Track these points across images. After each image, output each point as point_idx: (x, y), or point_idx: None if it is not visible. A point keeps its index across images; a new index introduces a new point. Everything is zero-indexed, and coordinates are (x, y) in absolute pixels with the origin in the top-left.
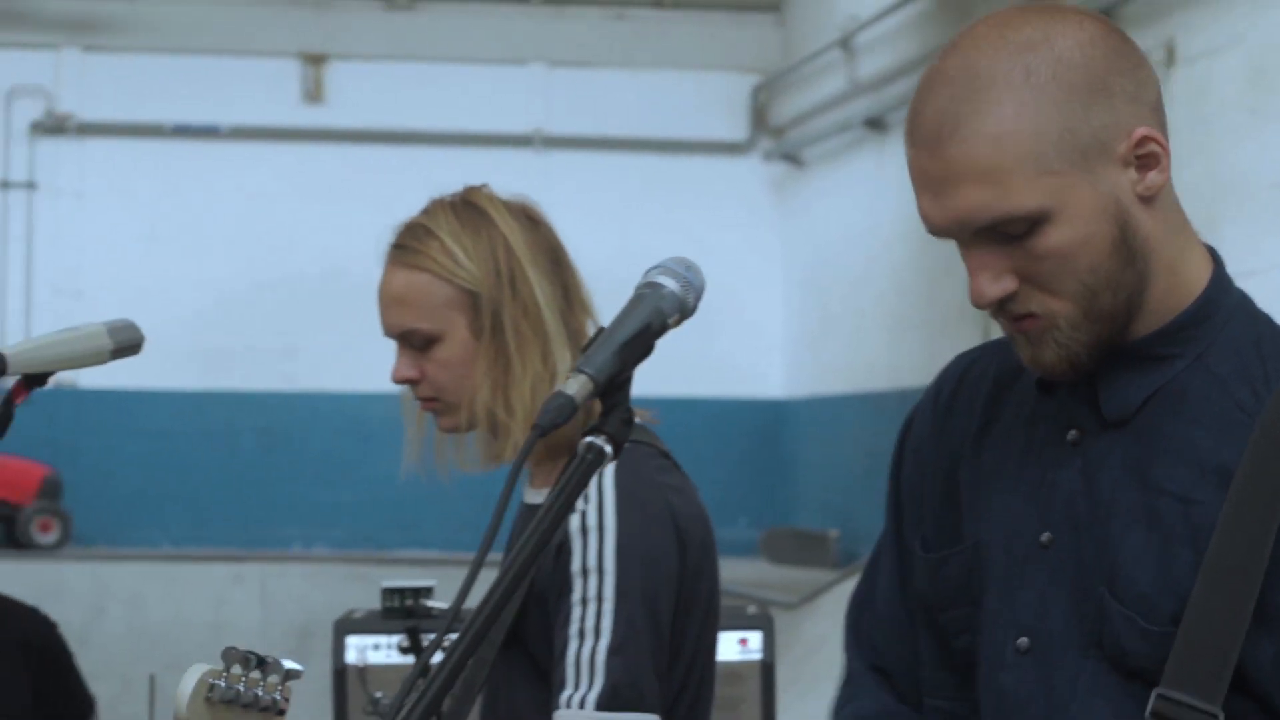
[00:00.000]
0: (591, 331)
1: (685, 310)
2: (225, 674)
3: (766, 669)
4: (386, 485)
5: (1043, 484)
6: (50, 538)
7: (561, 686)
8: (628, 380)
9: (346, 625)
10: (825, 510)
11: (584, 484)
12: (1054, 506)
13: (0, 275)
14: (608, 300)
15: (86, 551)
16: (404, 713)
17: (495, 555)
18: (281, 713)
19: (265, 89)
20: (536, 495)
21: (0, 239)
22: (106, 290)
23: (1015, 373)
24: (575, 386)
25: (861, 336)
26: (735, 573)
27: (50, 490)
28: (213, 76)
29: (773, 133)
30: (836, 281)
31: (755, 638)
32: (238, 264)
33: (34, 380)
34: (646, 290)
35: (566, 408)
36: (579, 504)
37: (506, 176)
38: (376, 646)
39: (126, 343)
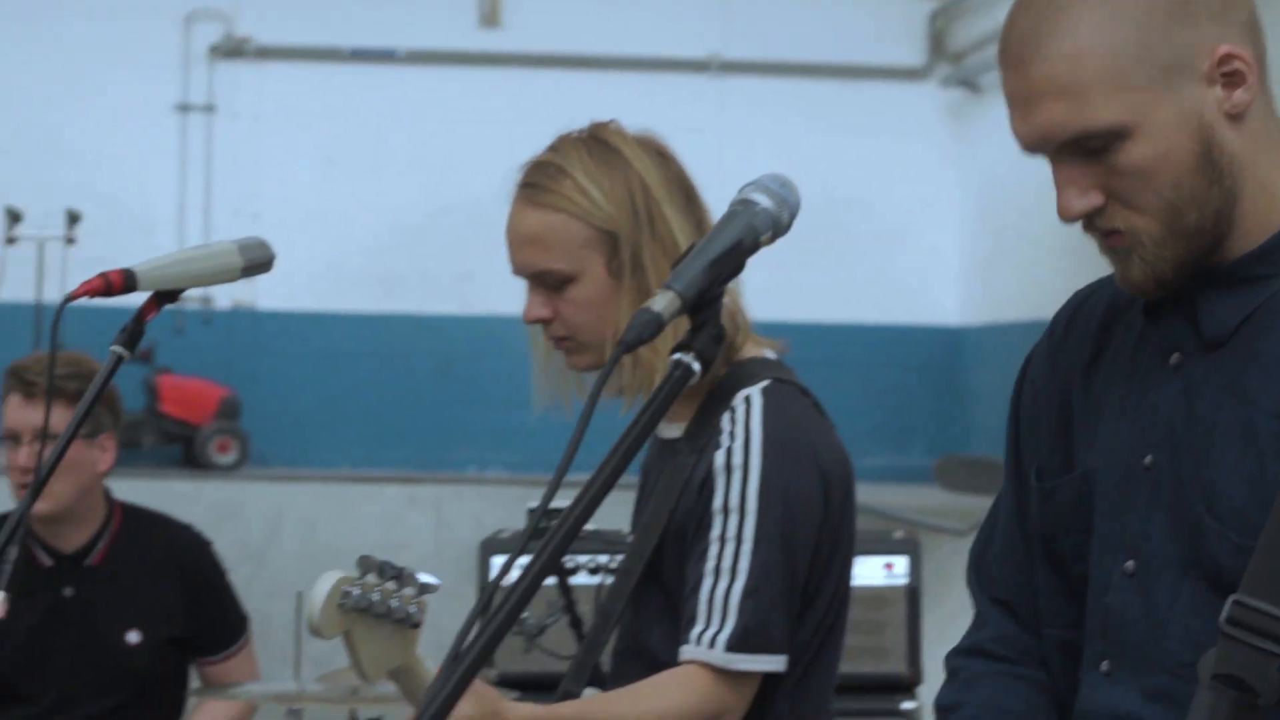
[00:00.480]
0: None
1: (779, 228)
2: (359, 582)
3: (912, 594)
4: (560, 409)
5: (1145, 408)
6: (228, 458)
7: (691, 622)
8: (718, 297)
9: (492, 545)
10: (999, 437)
11: (670, 401)
12: (1155, 429)
13: (179, 198)
14: None
15: (264, 472)
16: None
17: (581, 475)
18: (416, 625)
19: (442, 13)
20: (671, 429)
21: (179, 162)
22: (284, 213)
23: (1128, 303)
24: (663, 303)
25: (1036, 264)
26: (907, 499)
27: (228, 411)
28: (390, 0)
29: (950, 58)
30: (1012, 208)
31: (901, 562)
32: (414, 188)
33: (165, 297)
34: (739, 207)
35: (653, 324)
36: (724, 440)
37: (681, 101)
38: (521, 567)
39: (256, 261)
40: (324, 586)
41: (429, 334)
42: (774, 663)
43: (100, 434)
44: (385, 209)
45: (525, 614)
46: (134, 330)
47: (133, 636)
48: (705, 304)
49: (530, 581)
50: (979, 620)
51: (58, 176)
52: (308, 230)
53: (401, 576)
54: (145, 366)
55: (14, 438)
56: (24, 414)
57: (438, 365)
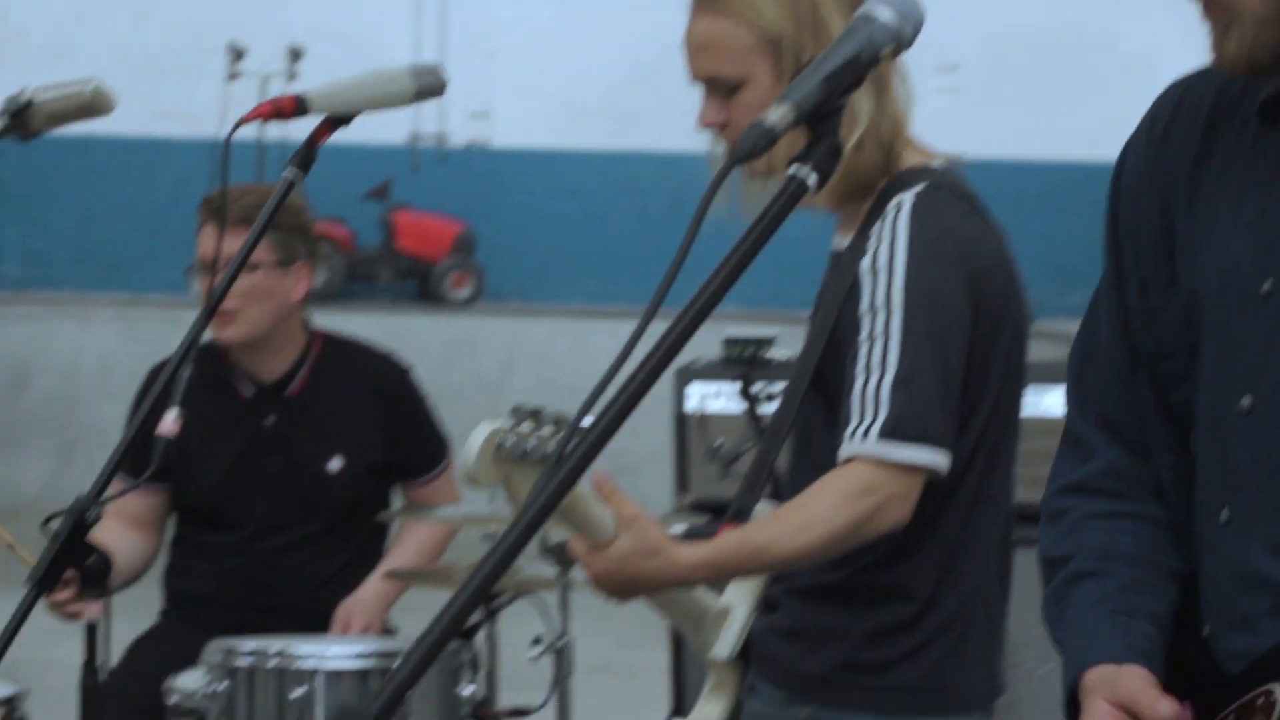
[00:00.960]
0: (894, 73)
1: (902, 41)
2: (514, 430)
3: None
4: (791, 246)
5: (1264, 226)
6: (463, 293)
7: (847, 421)
8: (836, 110)
9: (688, 373)
10: None
11: (784, 215)
12: (1275, 251)
13: (415, 35)
14: None
15: (498, 307)
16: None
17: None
18: None
19: None
20: (841, 240)
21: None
22: (520, 50)
23: (1234, 102)
24: (776, 115)
25: None
26: None
27: (464, 246)
28: None
29: None
30: None
31: None
32: (651, 23)
33: (338, 121)
34: (860, 21)
35: (765, 137)
36: (872, 244)
37: None
38: (717, 395)
39: (429, 86)
40: (478, 437)
41: (664, 171)
42: (932, 455)
43: (294, 262)
44: (622, 45)
45: (719, 441)
46: (306, 155)
47: (334, 464)
48: (823, 117)
49: (635, 389)
50: (1084, 449)
51: (287, 14)
52: (544, 67)
53: (558, 421)
54: (381, 203)
55: (206, 267)
56: (214, 242)
57: (673, 202)
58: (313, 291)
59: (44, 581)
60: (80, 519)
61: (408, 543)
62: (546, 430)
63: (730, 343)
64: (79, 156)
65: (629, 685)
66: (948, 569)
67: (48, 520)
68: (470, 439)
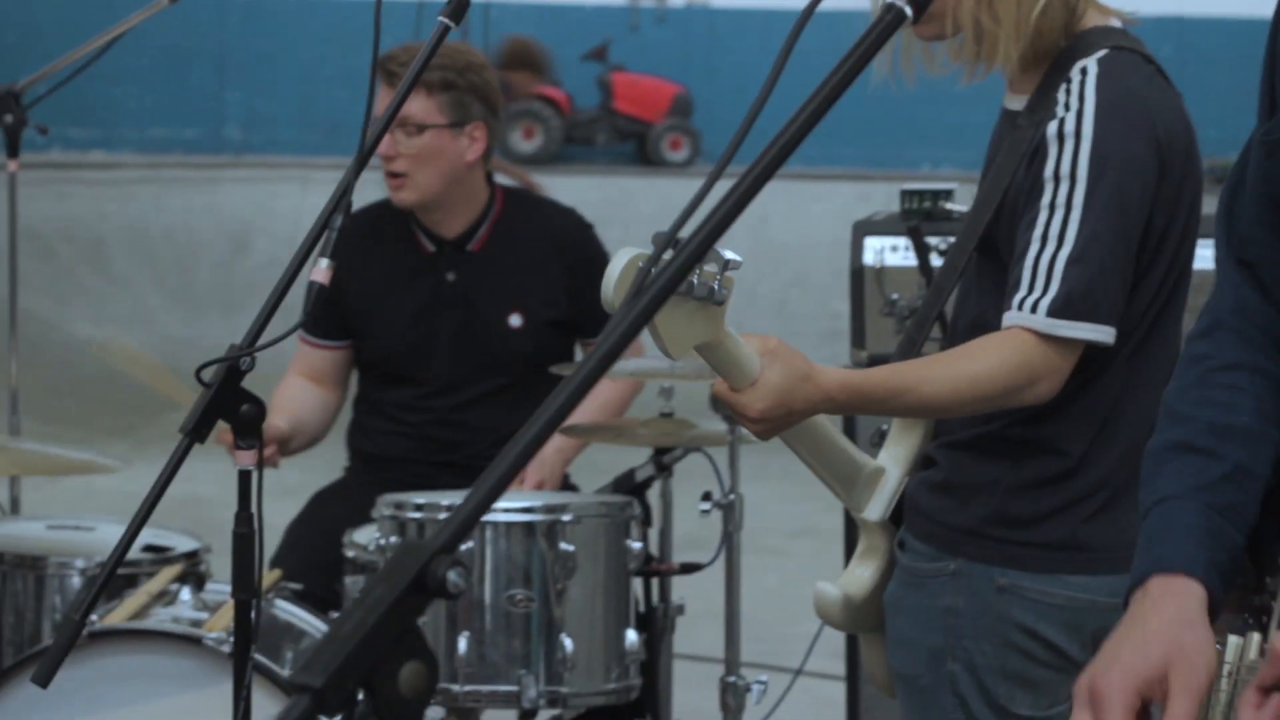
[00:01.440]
0: None
1: None
2: (655, 258)
3: None
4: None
5: None
6: (680, 155)
7: (1015, 288)
8: None
9: (865, 227)
10: None
11: (878, 46)
12: None
13: None
14: None
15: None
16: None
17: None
18: (720, 303)
19: None
20: (1016, 101)
21: None
22: None
23: None
24: None
25: None
26: None
27: (681, 108)
28: None
29: None
30: None
31: None
32: None
33: None
34: None
35: None
36: (1058, 110)
37: None
38: (894, 248)
39: None
40: (619, 263)
41: None
42: (1098, 332)
43: (468, 123)
44: None
45: (895, 296)
46: (459, 3)
47: (515, 320)
48: None
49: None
50: (1219, 285)
51: None
52: None
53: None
54: (600, 64)
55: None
56: (386, 103)
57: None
58: (528, 154)
59: (195, 432)
60: (234, 367)
61: (589, 399)
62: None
63: (907, 195)
64: (300, 20)
65: (829, 548)
66: (1104, 427)
67: (200, 369)
68: (610, 265)
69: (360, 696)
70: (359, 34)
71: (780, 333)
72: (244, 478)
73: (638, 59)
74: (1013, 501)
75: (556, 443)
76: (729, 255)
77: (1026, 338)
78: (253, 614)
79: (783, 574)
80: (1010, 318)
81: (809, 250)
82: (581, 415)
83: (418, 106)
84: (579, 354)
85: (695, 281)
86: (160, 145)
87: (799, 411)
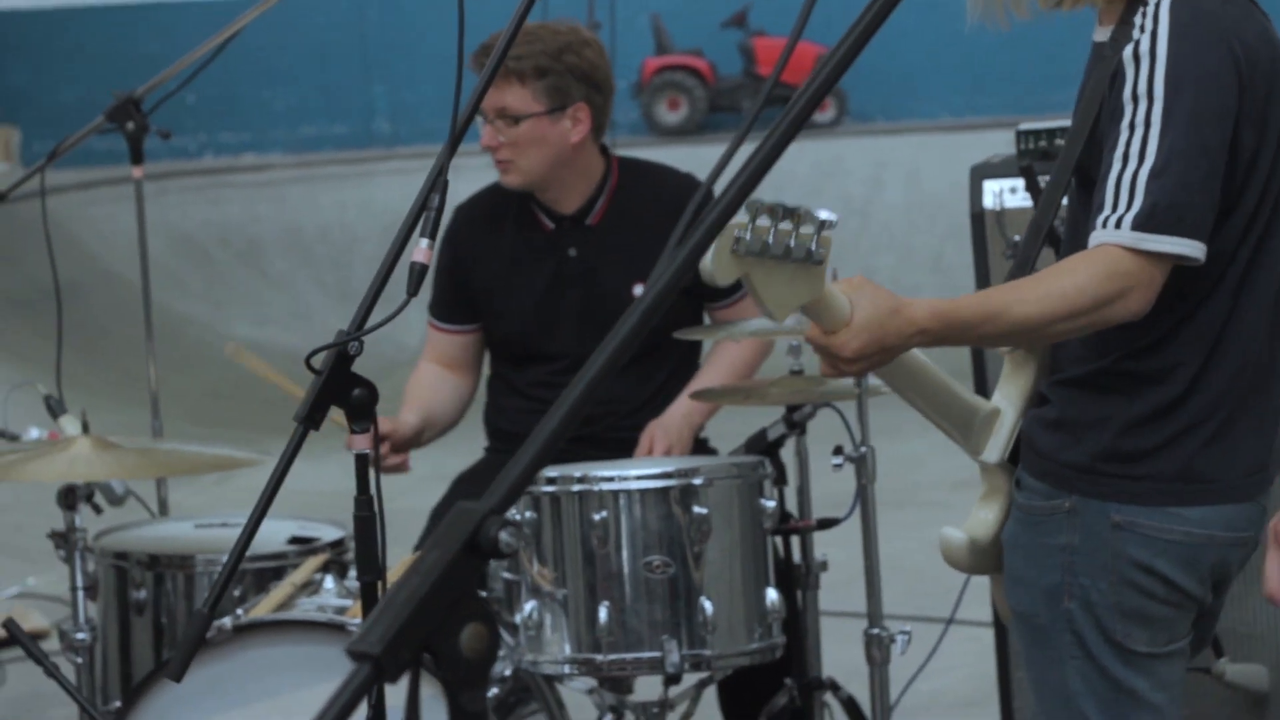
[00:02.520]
0: None
1: None
2: (751, 226)
3: None
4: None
5: None
6: (826, 116)
7: (1100, 208)
8: None
9: (983, 170)
10: None
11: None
12: None
13: None
14: None
15: (863, 127)
16: None
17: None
18: (819, 262)
19: None
20: (1102, 33)
21: None
22: None
23: None
24: None
25: None
26: None
27: None
28: None
29: None
30: None
31: None
32: None
33: None
34: None
35: None
36: (1135, 34)
37: None
38: (1013, 190)
39: None
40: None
41: None
42: (1185, 245)
43: (569, 105)
44: None
45: (1016, 237)
46: None
47: (639, 290)
48: None
49: (764, 156)
50: None
51: None
52: None
53: (796, 215)
54: (740, 31)
55: (483, 116)
56: (489, 93)
57: (1034, 10)
58: (674, 125)
59: (309, 419)
60: (342, 352)
61: (719, 361)
62: (787, 225)
63: (1023, 135)
64: (438, 7)
65: (960, 497)
66: (1213, 352)
67: (311, 355)
68: None
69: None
70: (500, 14)
71: (938, 286)
72: (360, 461)
73: (777, 22)
74: (1127, 436)
75: (683, 408)
76: (824, 215)
77: (1114, 251)
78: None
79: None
80: (1097, 236)
81: (964, 201)
82: (711, 378)
83: (513, 97)
84: (705, 319)
85: (791, 244)
86: (310, 144)
87: (893, 346)
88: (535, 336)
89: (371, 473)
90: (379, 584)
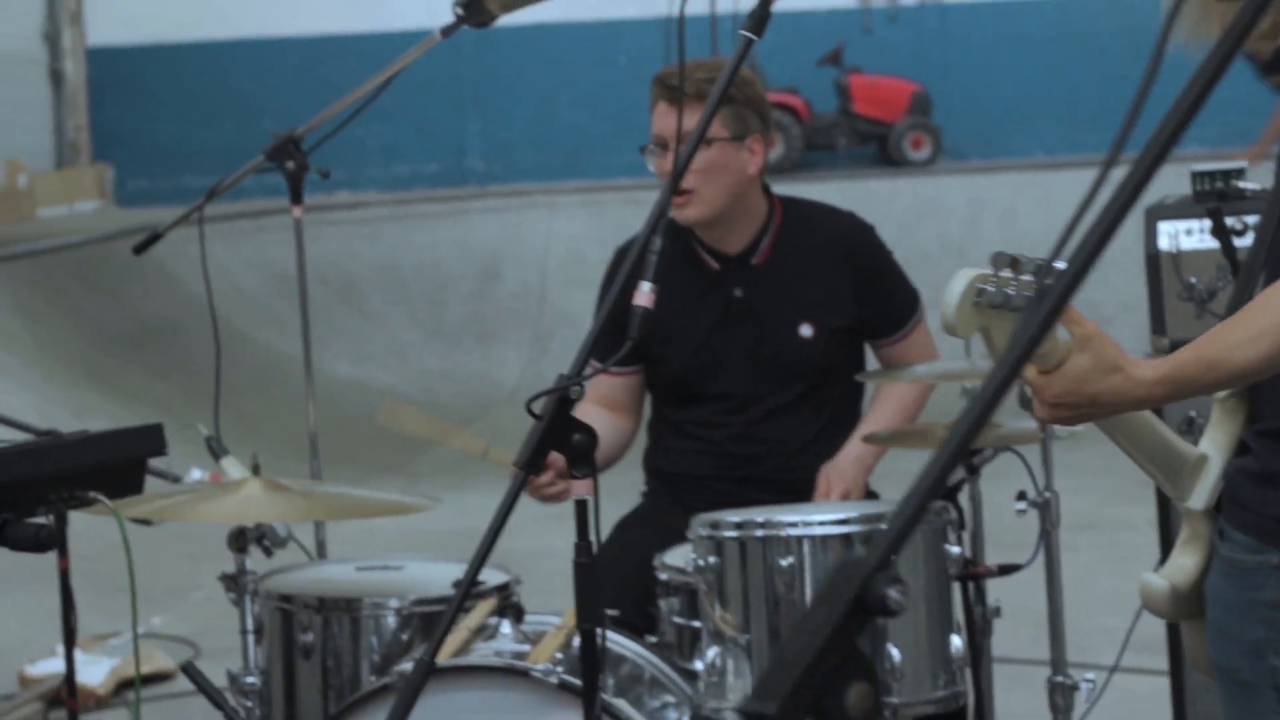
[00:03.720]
0: None
1: None
2: (994, 278)
3: None
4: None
5: None
6: (922, 154)
7: None
8: None
9: (1158, 211)
10: None
11: (1244, 35)
12: None
13: None
14: None
15: (959, 165)
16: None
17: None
18: None
19: None
20: None
21: None
22: None
23: None
24: None
25: None
26: None
27: (920, 106)
28: None
29: None
30: None
31: None
32: None
33: None
34: None
35: None
36: None
37: None
38: (1189, 231)
39: None
40: (958, 285)
41: (1118, 12)
42: None
43: (747, 136)
44: None
45: (1193, 279)
46: (760, 16)
47: (805, 330)
48: None
49: (1106, 228)
50: None
51: None
52: None
53: (1040, 269)
54: (835, 68)
55: (660, 144)
56: (668, 119)
57: (1129, 45)
58: (771, 163)
59: (531, 464)
60: (563, 397)
61: (885, 403)
62: (1027, 277)
63: (1198, 176)
64: (533, 46)
65: (1115, 540)
66: None
67: (531, 400)
68: (949, 286)
69: None
70: (594, 57)
71: None
72: (580, 507)
73: (873, 60)
74: None
75: (856, 451)
76: (1063, 266)
77: None
78: (598, 643)
79: (1071, 569)
80: None
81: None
82: (880, 420)
83: (695, 121)
84: (869, 357)
85: (1030, 295)
86: (404, 181)
87: (1107, 404)
88: (700, 377)
89: (591, 518)
90: (597, 633)
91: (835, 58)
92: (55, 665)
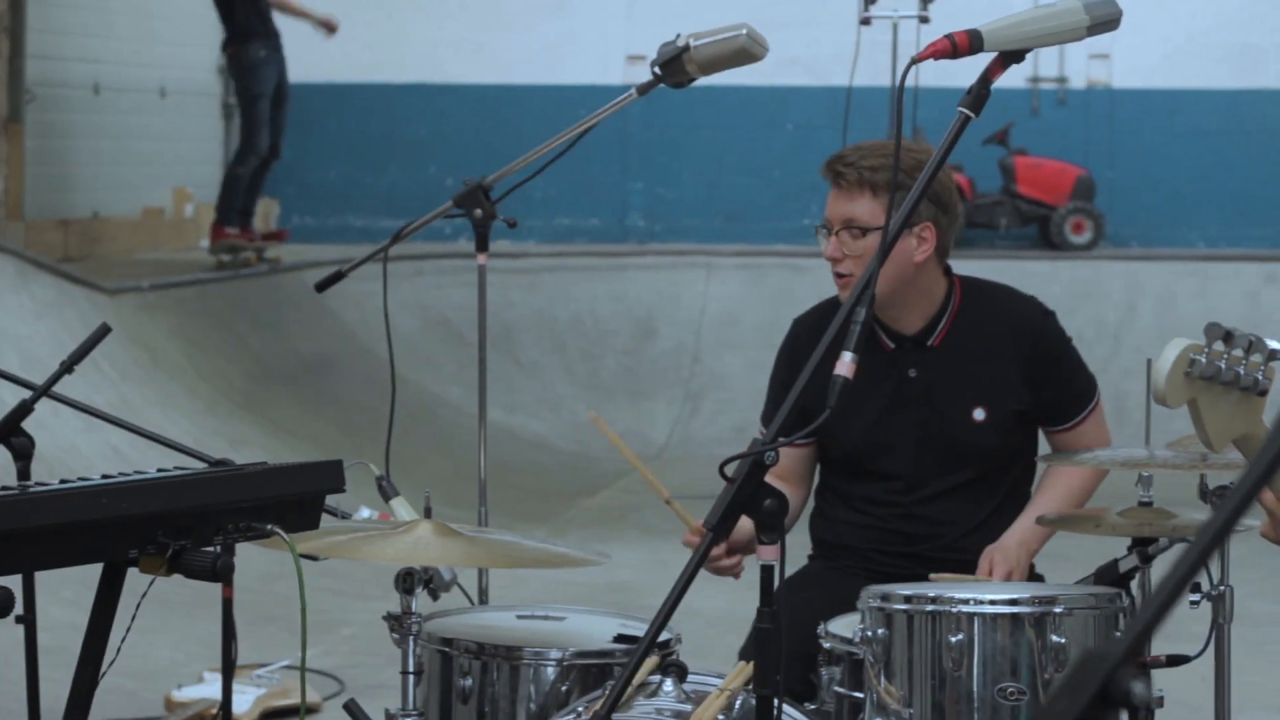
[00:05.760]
0: None
1: None
2: (1207, 350)
3: None
4: None
5: None
6: (1083, 238)
7: None
8: None
9: None
10: None
11: None
12: None
13: None
14: None
15: (1119, 251)
16: None
17: None
18: (1264, 393)
19: None
20: None
21: None
22: None
23: None
24: None
25: None
26: None
27: (1083, 191)
28: None
29: None
30: None
31: None
32: None
33: (1010, 57)
34: None
35: None
36: None
37: None
38: None
39: (1102, 19)
40: (1171, 354)
41: None
42: None
43: (916, 224)
44: None
45: None
46: (979, 92)
47: (979, 413)
48: None
49: None
50: None
51: None
52: (1163, 5)
53: (1251, 344)
54: (1001, 148)
55: (826, 227)
56: (835, 204)
57: None
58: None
59: (720, 526)
60: (758, 461)
61: (1056, 486)
62: (1238, 351)
63: None
64: (702, 107)
65: (1266, 635)
66: None
67: (725, 463)
68: (1162, 357)
69: None
70: (762, 120)
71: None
72: (766, 572)
73: (1039, 142)
74: None
75: (1021, 533)
76: (1275, 345)
77: None
78: (774, 712)
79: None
80: None
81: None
82: (1049, 503)
83: (863, 209)
84: (1042, 442)
85: (1241, 371)
86: (565, 235)
87: None
88: (871, 455)
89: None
90: (775, 700)
91: (1002, 137)
92: (202, 691)
